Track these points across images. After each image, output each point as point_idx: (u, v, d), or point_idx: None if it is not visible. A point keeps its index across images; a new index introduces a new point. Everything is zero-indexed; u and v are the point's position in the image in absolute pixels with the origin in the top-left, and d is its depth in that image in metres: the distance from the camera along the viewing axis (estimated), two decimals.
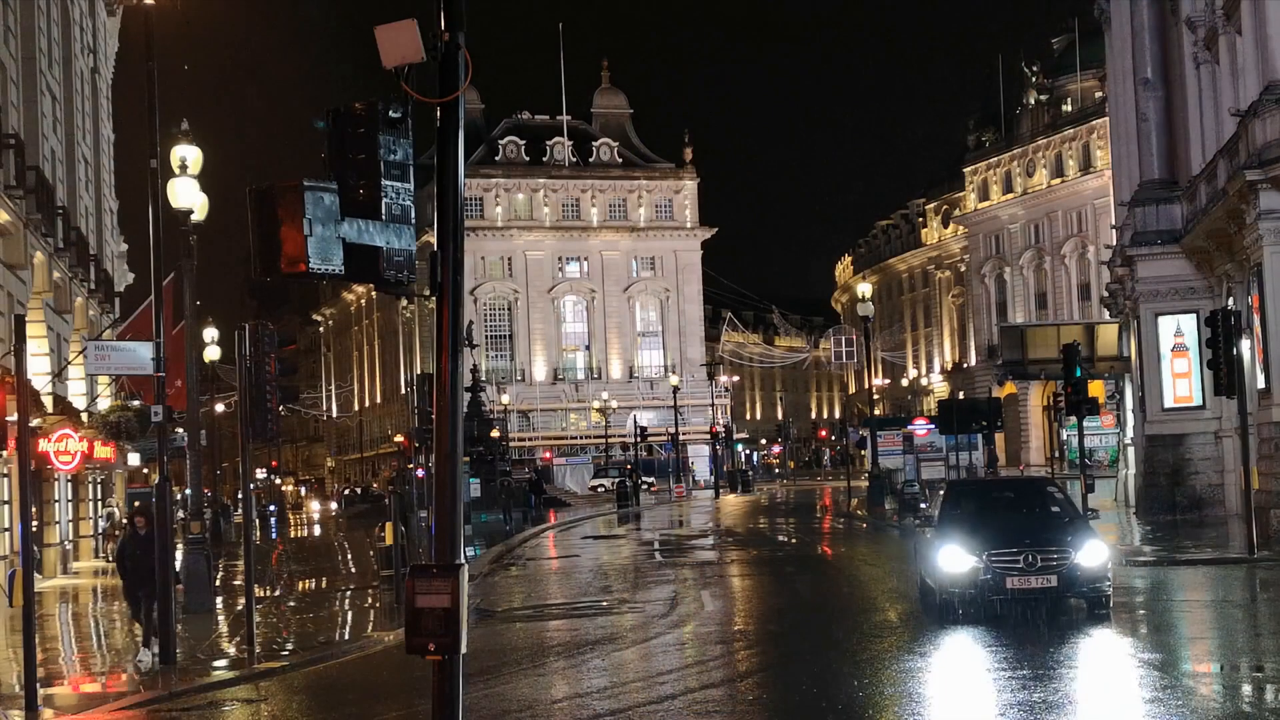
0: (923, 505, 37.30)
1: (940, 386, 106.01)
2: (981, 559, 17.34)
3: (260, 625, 19.44)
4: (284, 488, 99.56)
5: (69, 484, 36.42)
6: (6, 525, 29.08)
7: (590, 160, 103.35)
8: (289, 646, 19.20)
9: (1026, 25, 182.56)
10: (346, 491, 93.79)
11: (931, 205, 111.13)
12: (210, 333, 44.79)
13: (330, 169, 7.18)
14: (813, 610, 21.69)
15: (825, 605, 22.27)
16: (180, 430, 30.70)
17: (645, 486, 78.48)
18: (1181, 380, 35.63)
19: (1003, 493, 21.30)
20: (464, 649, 7.17)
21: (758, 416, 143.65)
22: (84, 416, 32.56)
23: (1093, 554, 17.44)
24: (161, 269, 21.81)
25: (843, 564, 30.93)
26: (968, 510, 19.23)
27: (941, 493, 21.32)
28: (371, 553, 31.31)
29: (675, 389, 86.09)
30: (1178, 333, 35.53)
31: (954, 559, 17.59)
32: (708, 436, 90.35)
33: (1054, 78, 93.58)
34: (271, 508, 65.98)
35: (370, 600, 25.15)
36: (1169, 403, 35.75)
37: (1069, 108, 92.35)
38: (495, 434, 70.03)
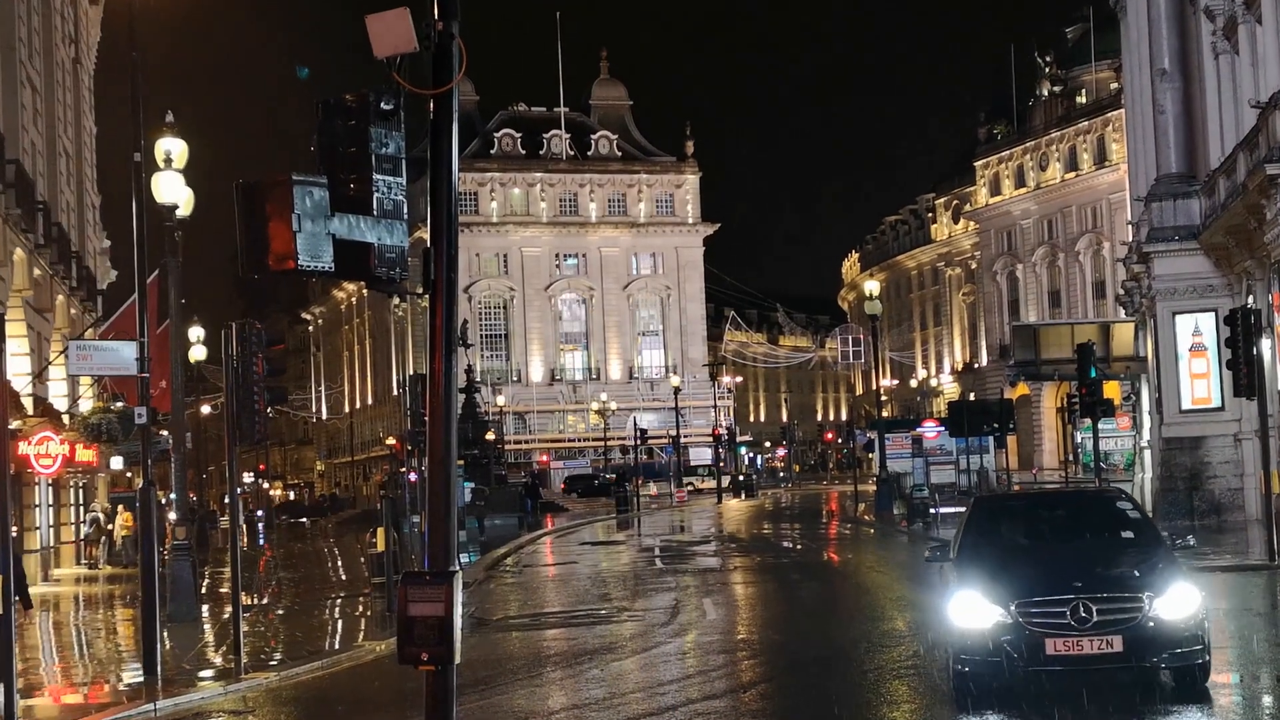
0: (931, 511, 36.69)
1: (950, 387, 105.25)
2: (1009, 611, 12.28)
3: (248, 634, 19.38)
4: (272, 491, 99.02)
5: (50, 488, 36.39)
6: None
7: (588, 154, 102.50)
8: (277, 656, 18.99)
9: (1039, 14, 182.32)
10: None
11: (941, 200, 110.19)
12: (196, 332, 44.11)
13: (320, 163, 7.12)
14: (818, 619, 21.35)
15: (831, 614, 21.92)
16: (165, 433, 30.77)
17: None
18: (1200, 381, 35.09)
19: (1051, 511, 15.37)
20: (458, 659, 7.15)
21: (761, 418, 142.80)
22: (65, 419, 32.64)
23: (1179, 602, 12.28)
24: (145, 266, 21.71)
25: (849, 571, 30.63)
26: (999, 538, 14.11)
27: (965, 513, 15.42)
28: (363, 559, 31.00)
29: (676, 390, 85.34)
30: (1196, 332, 35.04)
31: (969, 611, 12.54)
32: (710, 439, 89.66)
33: (1068, 68, 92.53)
34: (259, 513, 65.69)
35: (361, 608, 24.90)
36: (1187, 404, 35.22)
37: (1083, 99, 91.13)
38: (490, 436, 69.64)
